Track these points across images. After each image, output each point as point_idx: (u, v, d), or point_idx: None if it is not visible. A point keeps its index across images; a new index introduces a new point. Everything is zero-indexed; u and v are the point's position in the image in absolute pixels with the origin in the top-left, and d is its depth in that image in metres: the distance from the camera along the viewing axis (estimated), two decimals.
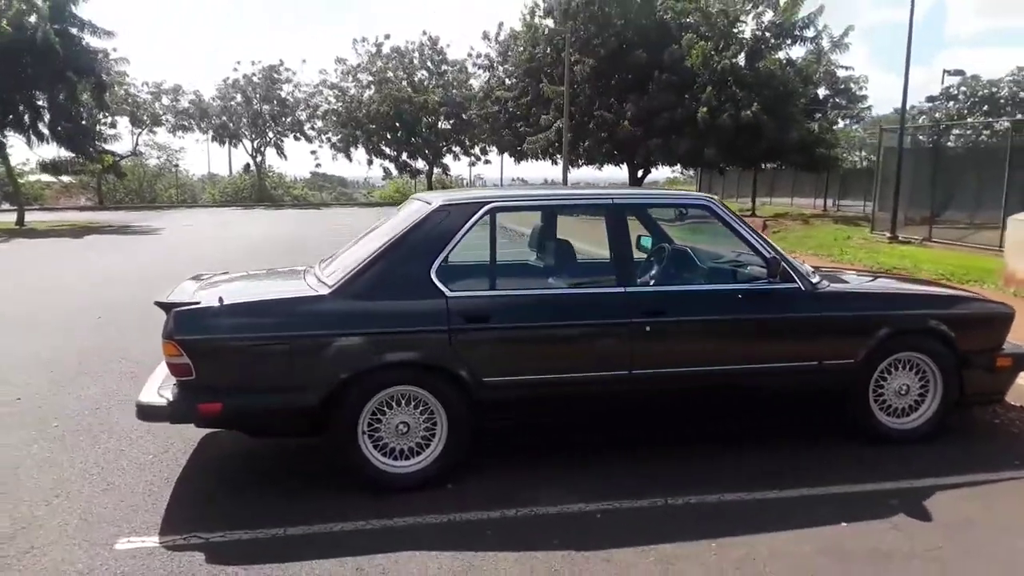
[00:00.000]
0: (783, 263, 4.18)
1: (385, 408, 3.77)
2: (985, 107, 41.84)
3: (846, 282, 4.81)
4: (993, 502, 3.74)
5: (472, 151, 44.43)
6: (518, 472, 4.04)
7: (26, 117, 24.05)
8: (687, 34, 24.47)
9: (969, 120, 34.24)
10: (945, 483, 3.90)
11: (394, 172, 45.13)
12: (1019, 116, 27.77)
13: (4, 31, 21.14)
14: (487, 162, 46.19)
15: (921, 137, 19.10)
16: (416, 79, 43.03)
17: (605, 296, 4.12)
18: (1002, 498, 3.80)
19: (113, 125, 34.88)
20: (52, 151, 26.89)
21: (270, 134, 46.19)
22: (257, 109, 45.15)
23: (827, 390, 4.34)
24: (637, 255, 4.67)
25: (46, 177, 34.76)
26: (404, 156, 43.82)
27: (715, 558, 3.17)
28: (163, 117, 43.15)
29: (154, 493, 3.79)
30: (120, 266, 13.20)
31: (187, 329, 3.59)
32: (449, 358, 3.77)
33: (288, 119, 45.57)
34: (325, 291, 3.83)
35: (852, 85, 34.03)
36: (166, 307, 3.68)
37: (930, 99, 44.69)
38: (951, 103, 43.50)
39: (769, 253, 4.19)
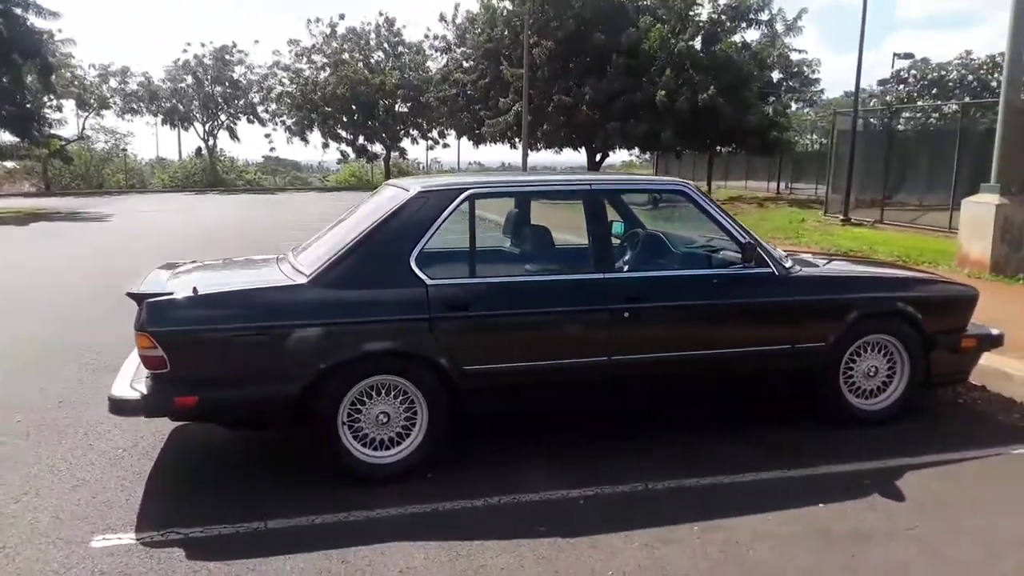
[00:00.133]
0: (758, 248, 4.22)
1: (364, 398, 3.73)
2: (934, 90, 42.80)
3: (816, 266, 4.87)
4: (962, 480, 3.84)
5: (430, 135, 44.03)
6: (499, 460, 4.03)
7: None
8: (644, 17, 24.54)
9: (919, 103, 35.02)
10: (915, 463, 3.99)
11: (351, 156, 44.56)
12: (967, 100, 28.42)
13: None
14: (445, 146, 45.91)
15: (873, 120, 19.41)
16: (373, 61, 42.48)
17: (585, 282, 4.11)
18: (970, 476, 3.90)
19: (59, 108, 34.15)
20: None
21: (222, 117, 45.37)
22: (209, 91, 44.29)
23: (800, 373, 4.40)
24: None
25: None
26: (361, 139, 43.24)
27: (699, 542, 3.20)
28: (111, 100, 42.16)
29: (127, 488, 3.69)
30: (73, 254, 12.84)
31: (161, 320, 3.49)
32: (430, 347, 3.74)
33: (241, 101, 44.75)
34: (302, 280, 3.76)
35: (805, 68, 34.50)
36: (138, 298, 3.56)
37: (881, 82, 45.68)
38: (901, 86, 44.42)
39: (744, 238, 4.23)
